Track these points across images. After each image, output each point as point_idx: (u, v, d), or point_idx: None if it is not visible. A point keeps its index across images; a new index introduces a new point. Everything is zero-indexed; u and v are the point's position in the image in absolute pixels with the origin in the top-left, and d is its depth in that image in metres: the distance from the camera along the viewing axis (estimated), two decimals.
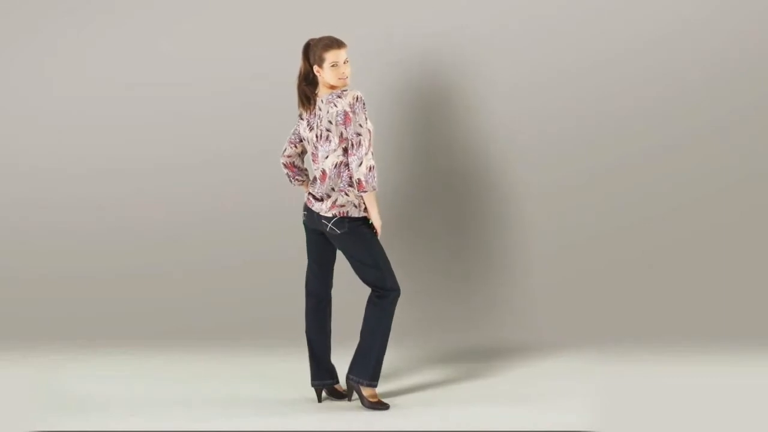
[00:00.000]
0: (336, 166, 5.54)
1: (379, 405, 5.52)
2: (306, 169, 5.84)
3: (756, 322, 6.84)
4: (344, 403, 5.62)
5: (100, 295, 7.18)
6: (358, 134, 5.48)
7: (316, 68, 5.58)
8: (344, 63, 5.54)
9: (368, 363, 5.54)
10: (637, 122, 7.04)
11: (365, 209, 5.54)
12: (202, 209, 7.25)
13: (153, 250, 7.24)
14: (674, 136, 7.03)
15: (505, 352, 6.59)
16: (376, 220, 5.56)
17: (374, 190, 5.49)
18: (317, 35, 5.64)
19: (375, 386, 5.57)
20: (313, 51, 5.58)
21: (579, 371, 6.17)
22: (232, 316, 7.06)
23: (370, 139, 5.50)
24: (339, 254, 5.73)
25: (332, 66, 5.52)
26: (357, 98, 5.49)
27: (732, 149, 7.02)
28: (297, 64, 5.68)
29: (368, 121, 5.53)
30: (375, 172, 5.48)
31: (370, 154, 5.48)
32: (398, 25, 7.03)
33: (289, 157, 5.78)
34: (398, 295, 5.58)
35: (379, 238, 5.60)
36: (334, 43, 5.54)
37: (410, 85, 7.00)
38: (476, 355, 6.54)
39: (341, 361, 5.73)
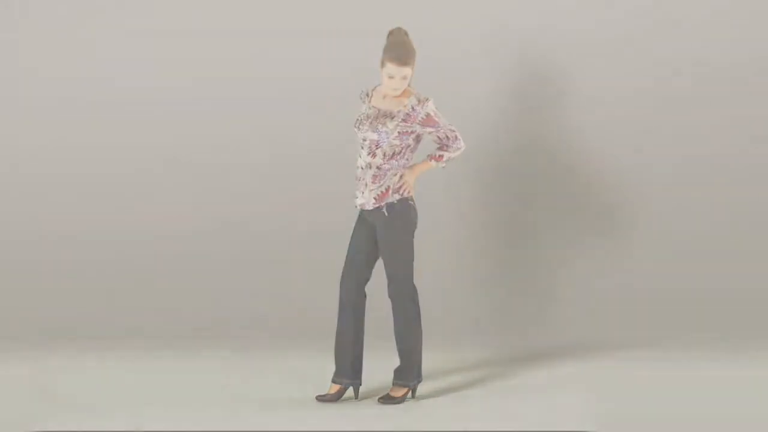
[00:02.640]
0: None
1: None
2: None
3: (756, 322, 6.84)
4: (344, 402, 5.61)
5: (100, 295, 7.17)
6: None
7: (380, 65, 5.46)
8: (402, 78, 5.37)
9: None
10: (637, 122, 7.04)
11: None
12: (203, 209, 7.25)
13: (153, 250, 7.23)
14: (674, 136, 7.03)
15: (504, 354, 6.59)
16: None
17: None
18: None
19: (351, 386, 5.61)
20: (384, 49, 5.43)
21: (579, 371, 6.16)
22: (233, 316, 7.05)
23: None
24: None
25: (389, 77, 5.37)
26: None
27: (732, 149, 7.02)
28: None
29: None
30: None
31: None
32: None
33: None
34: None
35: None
36: (395, 60, 5.35)
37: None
38: (475, 356, 6.54)
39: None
